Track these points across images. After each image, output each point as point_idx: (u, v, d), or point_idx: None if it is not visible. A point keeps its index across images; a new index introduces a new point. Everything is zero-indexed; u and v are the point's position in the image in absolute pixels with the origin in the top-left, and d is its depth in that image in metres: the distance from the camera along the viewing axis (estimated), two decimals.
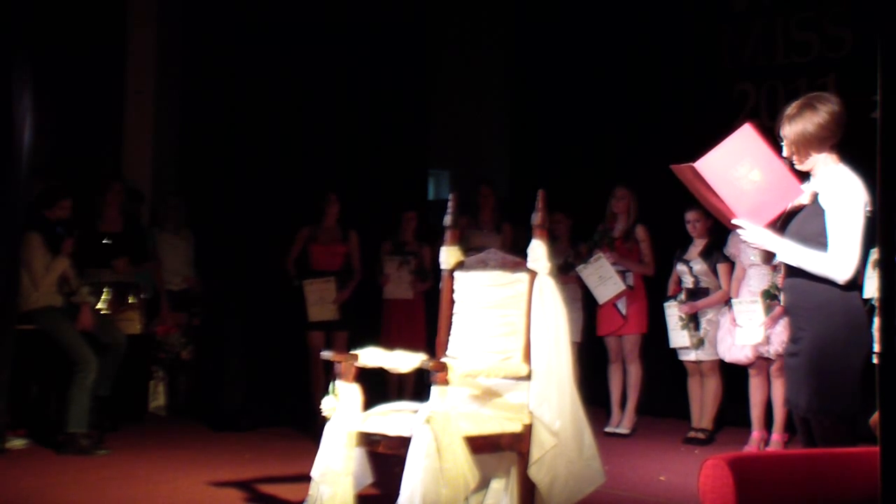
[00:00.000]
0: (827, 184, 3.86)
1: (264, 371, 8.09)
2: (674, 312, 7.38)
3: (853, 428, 3.84)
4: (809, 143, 3.88)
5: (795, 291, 3.94)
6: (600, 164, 8.91)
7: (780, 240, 3.90)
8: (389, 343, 7.01)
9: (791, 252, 3.86)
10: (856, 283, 3.87)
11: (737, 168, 3.86)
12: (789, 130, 3.91)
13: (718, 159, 3.88)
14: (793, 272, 3.93)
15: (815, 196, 3.88)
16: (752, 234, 3.92)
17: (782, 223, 3.97)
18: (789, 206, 3.94)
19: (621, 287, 7.55)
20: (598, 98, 9.10)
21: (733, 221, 3.95)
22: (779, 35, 8.13)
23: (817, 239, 3.82)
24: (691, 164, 3.87)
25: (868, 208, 3.78)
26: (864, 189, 3.80)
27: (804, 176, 3.98)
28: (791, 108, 3.96)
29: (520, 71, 10.09)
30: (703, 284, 7.35)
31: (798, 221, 3.92)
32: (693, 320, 7.31)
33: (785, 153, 3.95)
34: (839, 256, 3.76)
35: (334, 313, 7.83)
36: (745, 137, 3.92)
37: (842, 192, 3.80)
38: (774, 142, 4.00)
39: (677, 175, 4.03)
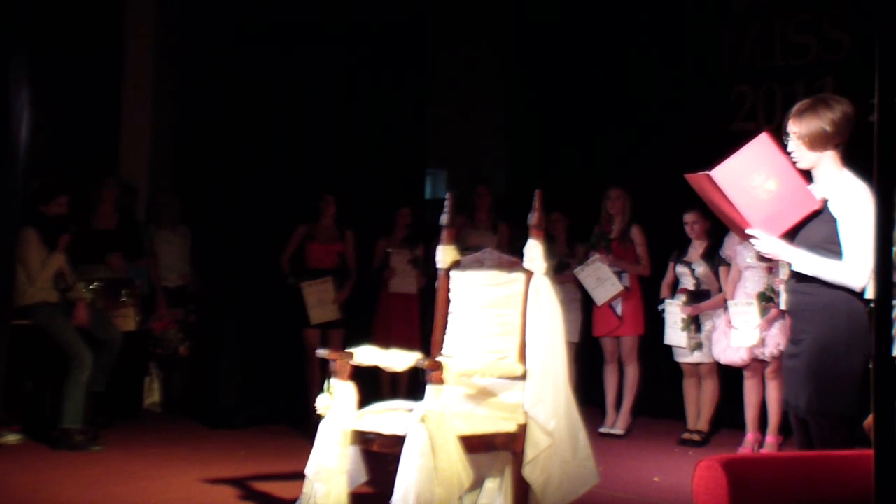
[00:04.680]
0: (837, 192, 3.86)
1: (260, 369, 8.08)
2: (675, 311, 7.36)
3: (852, 430, 3.84)
4: (818, 141, 3.88)
5: (799, 293, 3.95)
6: (598, 164, 8.90)
7: (795, 249, 3.90)
8: (385, 338, 7.03)
9: (806, 261, 3.86)
10: None
11: (753, 177, 3.85)
12: (800, 125, 3.90)
13: (734, 168, 3.86)
14: (798, 275, 3.93)
15: (825, 203, 3.88)
16: (767, 243, 3.92)
17: (792, 230, 3.97)
18: (804, 216, 3.93)
19: (619, 288, 7.55)
20: (596, 98, 9.09)
21: (747, 231, 3.94)
22: (777, 37, 8.13)
23: (825, 245, 3.83)
24: (707, 172, 3.86)
25: None
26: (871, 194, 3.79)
27: (807, 177, 3.97)
28: (803, 104, 3.96)
29: (518, 71, 10.08)
30: (703, 286, 7.35)
31: (807, 228, 3.92)
32: (694, 322, 7.31)
33: (789, 147, 3.95)
34: (855, 264, 3.77)
35: (336, 313, 7.85)
36: (762, 146, 3.91)
37: (853, 201, 3.81)
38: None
39: (691, 184, 4.02)
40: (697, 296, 7.34)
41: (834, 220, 3.84)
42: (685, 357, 7.39)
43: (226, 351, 8.13)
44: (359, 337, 6.33)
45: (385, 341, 5.89)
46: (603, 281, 7.57)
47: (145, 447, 6.75)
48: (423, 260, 8.04)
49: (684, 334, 7.29)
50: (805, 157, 3.93)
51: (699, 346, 7.28)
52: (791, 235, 3.94)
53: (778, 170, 3.87)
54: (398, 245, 8.19)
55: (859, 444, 3.79)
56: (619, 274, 7.58)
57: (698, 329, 7.30)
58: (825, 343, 3.83)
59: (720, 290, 7.24)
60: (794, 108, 3.97)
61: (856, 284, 3.80)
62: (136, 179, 8.81)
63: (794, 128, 3.93)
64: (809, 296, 3.89)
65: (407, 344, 5.54)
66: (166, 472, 5.98)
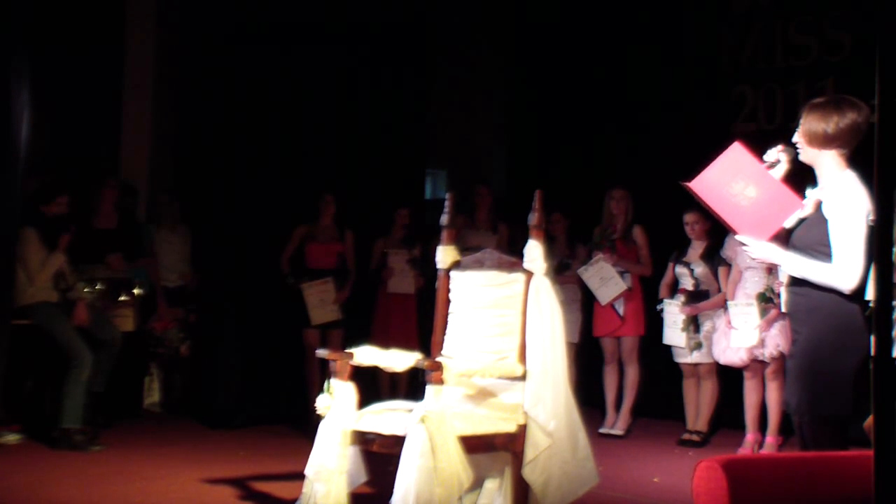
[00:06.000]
0: (831, 193, 3.86)
1: (260, 369, 8.08)
2: (673, 311, 7.36)
3: (842, 431, 3.84)
4: (816, 140, 3.89)
5: (795, 294, 3.96)
6: (598, 164, 8.91)
7: (785, 252, 3.91)
8: (383, 338, 7.02)
9: (796, 264, 3.87)
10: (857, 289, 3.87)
11: (731, 186, 3.88)
12: (806, 120, 3.92)
13: (712, 178, 3.90)
14: (793, 277, 3.94)
15: (819, 204, 3.89)
16: (757, 248, 3.93)
17: (788, 232, 3.98)
18: (790, 218, 3.95)
19: (623, 287, 7.55)
20: (596, 98, 9.09)
21: (736, 237, 3.98)
22: (778, 38, 8.13)
23: (817, 248, 3.83)
24: (686, 183, 3.89)
25: (871, 217, 3.77)
26: (868, 197, 3.79)
27: (811, 181, 3.98)
28: (819, 99, 3.98)
29: (519, 71, 10.09)
30: (702, 287, 7.35)
31: (801, 230, 3.93)
32: (693, 322, 7.31)
33: (794, 139, 3.96)
34: (843, 267, 3.77)
35: (336, 313, 7.85)
36: (736, 156, 3.94)
37: (845, 202, 3.81)
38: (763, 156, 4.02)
39: (688, 189, 4.03)
40: (696, 296, 7.34)
41: (826, 222, 3.84)
42: (684, 357, 7.39)
43: (226, 351, 8.13)
44: (358, 337, 6.33)
45: (383, 341, 5.89)
46: (607, 280, 7.57)
47: (145, 447, 6.75)
48: (421, 260, 8.04)
49: (683, 335, 7.29)
50: (804, 151, 3.96)
51: (698, 347, 7.28)
52: (788, 237, 3.96)
53: (756, 176, 3.90)
54: (396, 245, 8.20)
55: (851, 444, 3.80)
56: (621, 274, 7.58)
57: (697, 329, 7.30)
58: (814, 344, 3.84)
59: (719, 290, 7.25)
60: (812, 101, 3.99)
61: (843, 287, 3.79)
62: (136, 179, 8.81)
63: (802, 120, 3.95)
64: (802, 297, 3.91)
65: (405, 344, 5.54)
66: (166, 472, 5.98)
